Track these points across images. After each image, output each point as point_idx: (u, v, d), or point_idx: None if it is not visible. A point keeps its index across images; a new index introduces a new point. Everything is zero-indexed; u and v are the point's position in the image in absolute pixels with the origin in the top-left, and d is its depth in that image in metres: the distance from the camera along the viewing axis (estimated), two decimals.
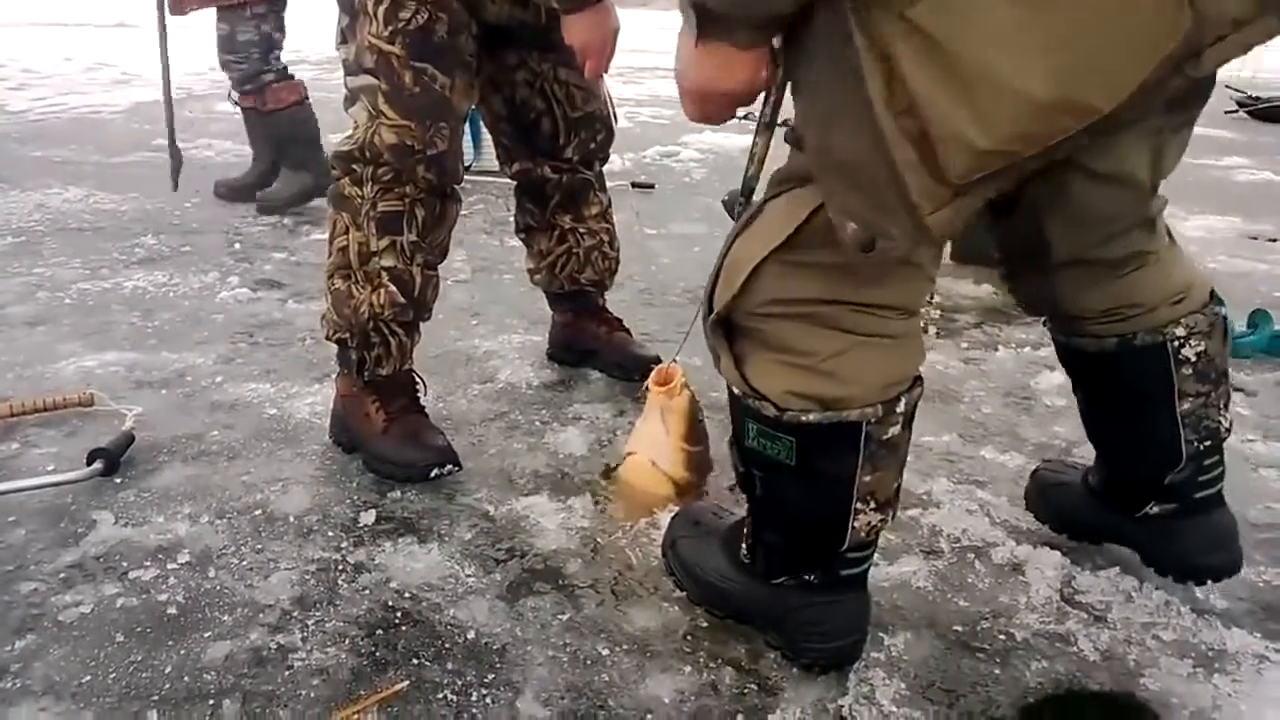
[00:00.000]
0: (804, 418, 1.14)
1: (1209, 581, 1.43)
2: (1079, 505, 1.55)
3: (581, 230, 2.16)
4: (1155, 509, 1.41)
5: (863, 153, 0.95)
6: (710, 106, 1.09)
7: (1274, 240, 3.74)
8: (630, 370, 2.18)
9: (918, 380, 1.20)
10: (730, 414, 1.26)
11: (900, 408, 1.16)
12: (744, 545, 1.33)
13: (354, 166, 1.72)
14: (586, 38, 1.72)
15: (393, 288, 1.74)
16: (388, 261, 1.74)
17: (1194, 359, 1.32)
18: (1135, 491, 1.43)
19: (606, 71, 1.82)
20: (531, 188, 2.13)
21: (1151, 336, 1.31)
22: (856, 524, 1.19)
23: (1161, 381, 1.33)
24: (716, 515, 1.50)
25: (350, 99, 1.73)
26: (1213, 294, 1.35)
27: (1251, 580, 1.50)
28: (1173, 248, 1.34)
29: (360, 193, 1.73)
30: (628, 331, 2.28)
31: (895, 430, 1.16)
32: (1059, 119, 0.90)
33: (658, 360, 2.13)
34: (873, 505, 1.19)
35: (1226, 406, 1.37)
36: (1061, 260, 1.28)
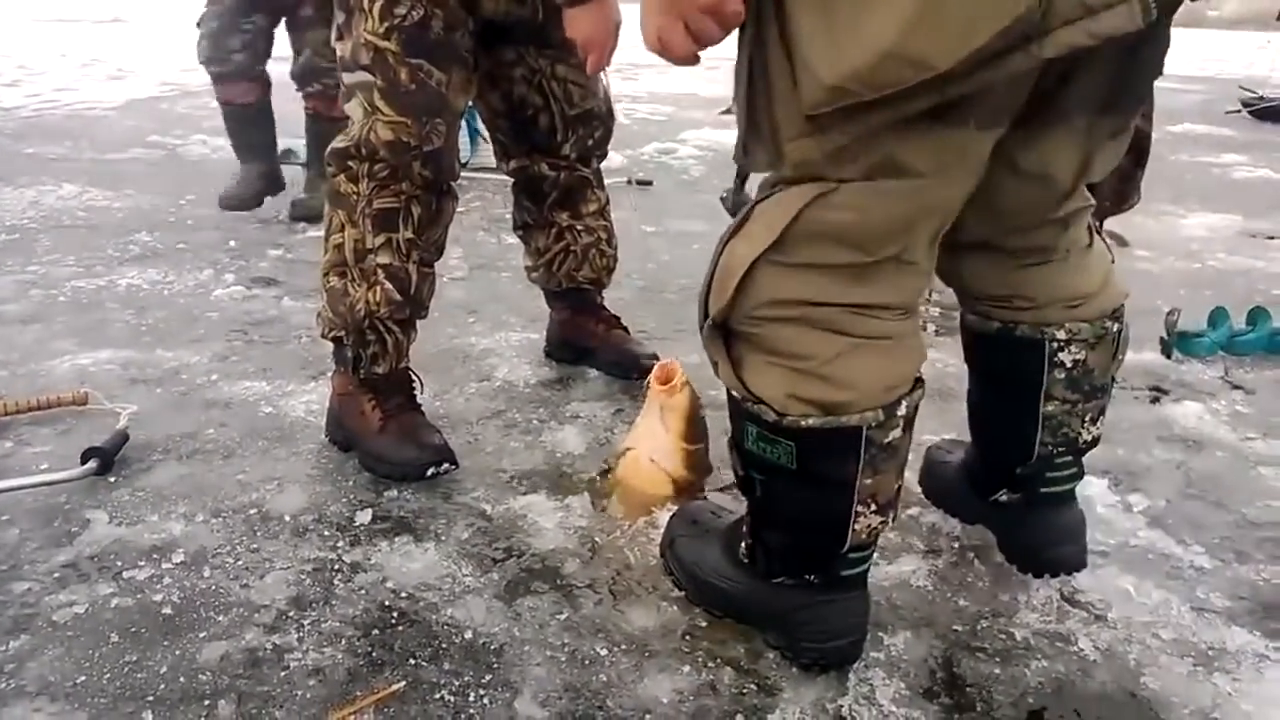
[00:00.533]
0: (804, 422, 1.13)
1: (1048, 576, 1.45)
2: (951, 484, 1.60)
3: (579, 228, 2.15)
4: (1005, 497, 1.45)
5: (755, 73, 1.03)
6: (673, 19, 1.03)
7: (1273, 238, 3.73)
8: (628, 369, 2.17)
9: (919, 382, 1.19)
10: (730, 417, 1.25)
11: (901, 410, 1.15)
12: (743, 545, 1.32)
13: (350, 163, 1.71)
14: (589, 32, 1.70)
15: (389, 285, 1.73)
16: (384, 259, 1.73)
17: (1069, 365, 1.33)
18: (989, 476, 1.47)
19: (608, 66, 1.81)
20: (529, 185, 2.12)
21: (1032, 331, 1.32)
22: (857, 526, 1.18)
23: (1031, 377, 1.34)
24: (715, 514, 1.49)
25: (346, 95, 1.72)
26: (1116, 311, 1.35)
27: (1251, 579, 1.50)
28: (1087, 252, 1.34)
29: (356, 190, 1.72)
30: (625, 330, 2.27)
31: (896, 433, 1.16)
32: (897, 68, 0.92)
33: (655, 358, 2.12)
34: (873, 508, 1.18)
35: (1094, 421, 1.38)
36: (969, 241, 1.29)
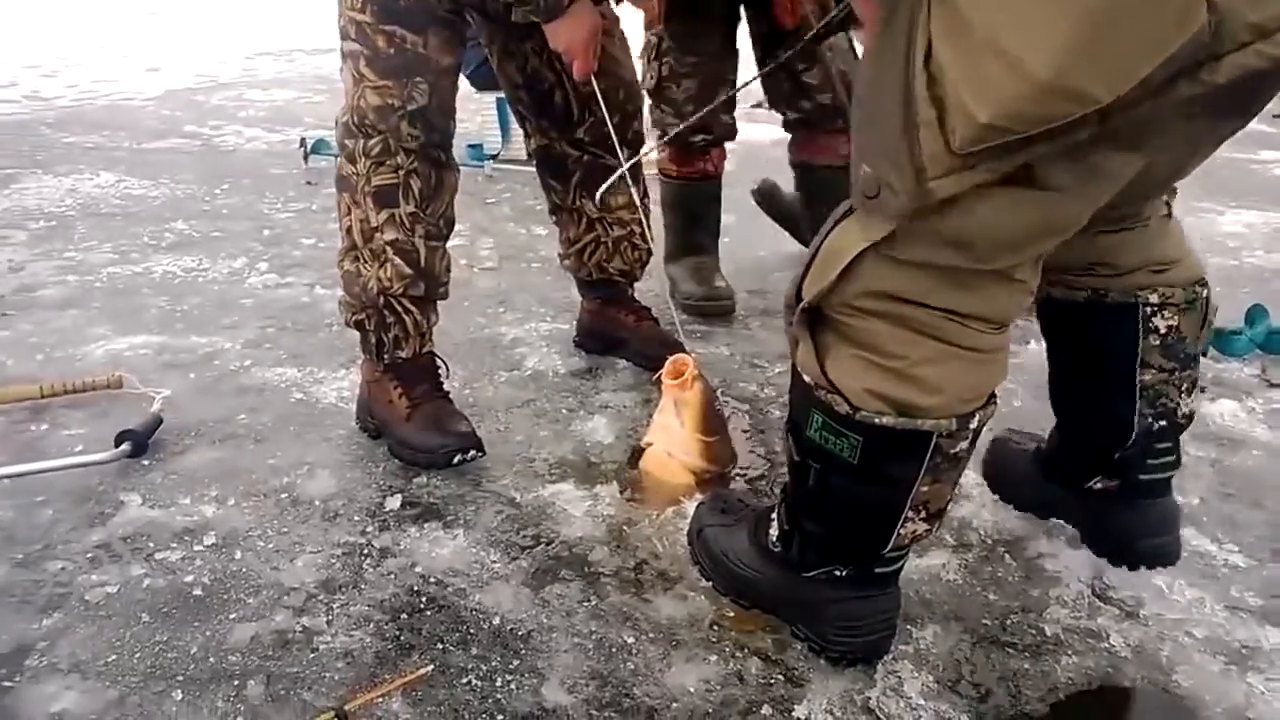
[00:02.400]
0: (878, 420, 1.10)
1: (1143, 568, 1.41)
2: (1024, 473, 1.55)
3: (610, 220, 2.15)
4: (1099, 484, 1.40)
5: (894, 105, 0.96)
6: None
7: None
8: (658, 360, 2.15)
9: (992, 398, 1.16)
10: (791, 401, 1.22)
11: (973, 424, 1.13)
12: (773, 533, 1.31)
13: (348, 142, 1.75)
14: (568, 41, 1.74)
15: (398, 260, 1.75)
16: (389, 235, 1.75)
17: (1164, 331, 1.29)
18: (1082, 462, 1.42)
19: (594, 70, 1.82)
20: (552, 163, 2.12)
21: (1124, 297, 1.29)
22: (903, 530, 1.16)
23: (1126, 344, 1.30)
24: (744, 503, 1.49)
25: (340, 66, 1.77)
26: (1203, 280, 1.31)
27: None
28: (1167, 221, 1.31)
29: (355, 169, 1.74)
30: (656, 321, 2.26)
31: (963, 445, 1.13)
32: (1057, 103, 0.88)
33: (685, 350, 2.11)
34: (923, 515, 1.16)
35: (1189, 393, 1.34)
36: None
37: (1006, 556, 1.51)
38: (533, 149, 2.13)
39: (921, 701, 1.20)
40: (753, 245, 3.25)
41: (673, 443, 1.68)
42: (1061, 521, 1.58)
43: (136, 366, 2.14)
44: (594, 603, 1.38)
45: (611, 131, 1.93)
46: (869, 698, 1.20)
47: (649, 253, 2.21)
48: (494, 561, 1.47)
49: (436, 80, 1.74)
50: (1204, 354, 2.30)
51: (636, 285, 2.29)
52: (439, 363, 1.88)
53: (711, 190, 2.79)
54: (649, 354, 2.17)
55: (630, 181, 2.14)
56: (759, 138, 5.56)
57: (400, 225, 1.75)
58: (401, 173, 1.74)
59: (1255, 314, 2.39)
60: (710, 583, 1.40)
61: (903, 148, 0.97)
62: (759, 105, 6.34)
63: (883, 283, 1.08)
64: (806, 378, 1.17)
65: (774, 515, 1.31)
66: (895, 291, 1.08)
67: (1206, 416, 2.02)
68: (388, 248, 1.75)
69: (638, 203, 2.07)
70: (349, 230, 1.78)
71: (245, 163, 4.39)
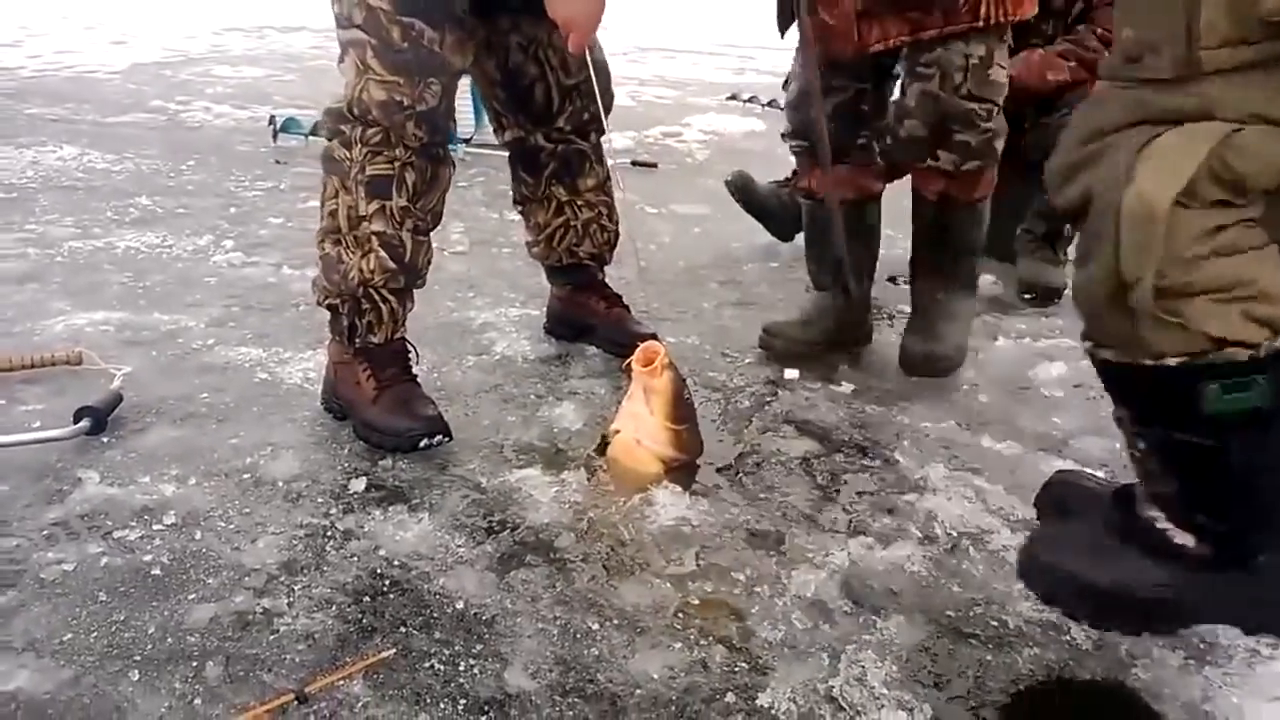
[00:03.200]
0: (1277, 344, 1.05)
1: None
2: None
3: (579, 203, 2.14)
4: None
5: None
6: None
7: None
8: (628, 347, 2.14)
9: None
10: (1154, 403, 1.14)
11: None
12: (1172, 535, 1.18)
13: (343, 127, 1.70)
14: (570, 11, 1.69)
15: (383, 253, 1.72)
16: (377, 226, 1.71)
17: None
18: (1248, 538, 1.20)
19: (590, 47, 1.79)
20: (525, 156, 2.10)
21: None
22: None
23: None
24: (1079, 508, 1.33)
25: (340, 55, 1.70)
26: None
27: None
28: None
29: (349, 155, 1.70)
30: (627, 308, 2.26)
31: None
32: None
33: (656, 338, 2.11)
34: None
35: None
36: None
37: (971, 549, 1.52)
38: (506, 142, 2.11)
39: (884, 691, 1.20)
40: (725, 236, 3.25)
41: (641, 430, 1.67)
42: (1028, 514, 1.60)
43: (97, 343, 2.10)
44: (559, 588, 1.37)
45: (601, 111, 1.93)
46: (832, 687, 1.20)
47: (617, 235, 2.21)
48: (459, 546, 1.46)
49: (449, 82, 1.71)
50: None
51: (608, 271, 2.28)
52: (409, 347, 1.86)
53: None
54: (619, 341, 2.16)
55: (603, 161, 2.15)
56: (733, 128, 5.57)
57: (390, 218, 1.72)
58: (398, 165, 1.70)
59: None
60: (1072, 617, 1.29)
61: (1180, 17, 0.95)
62: (733, 98, 6.37)
63: (1198, 226, 1.04)
64: (1189, 355, 1.09)
65: (1175, 516, 1.19)
66: (1213, 226, 1.04)
67: None
68: (373, 238, 1.72)
69: (613, 183, 2.08)
70: (333, 213, 1.74)
71: (212, 139, 4.32)
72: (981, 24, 1.83)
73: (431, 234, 1.82)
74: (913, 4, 1.83)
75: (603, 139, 2.14)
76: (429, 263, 1.82)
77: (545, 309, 2.33)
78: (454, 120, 1.79)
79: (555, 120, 2.02)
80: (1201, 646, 1.32)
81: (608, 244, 2.21)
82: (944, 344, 2.11)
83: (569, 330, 2.27)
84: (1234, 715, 1.19)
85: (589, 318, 2.23)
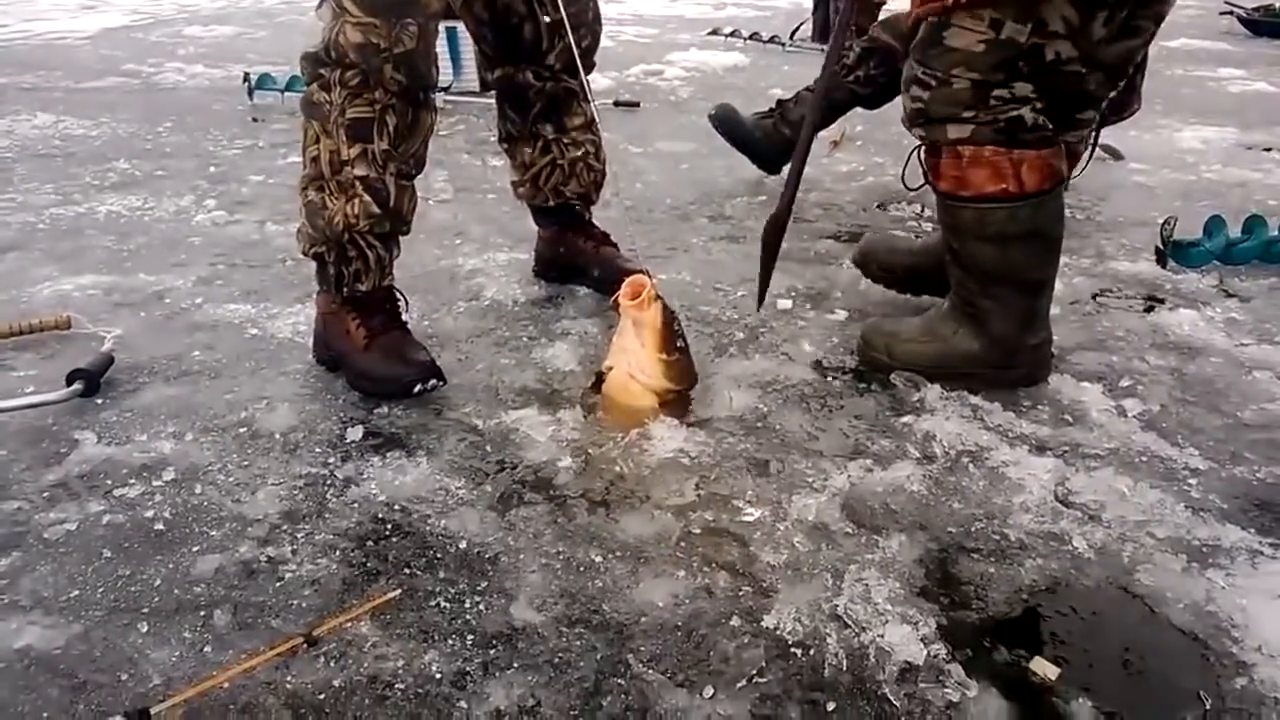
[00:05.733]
0: None
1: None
2: None
3: (565, 141, 2.10)
4: None
5: None
6: None
7: (1269, 150, 3.69)
8: (619, 285, 2.13)
9: None
10: None
11: None
12: None
13: (321, 71, 1.66)
14: None
15: (367, 198, 1.69)
16: (360, 170, 1.68)
17: None
18: None
19: None
20: (513, 94, 2.06)
21: None
22: None
23: None
24: None
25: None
26: None
27: (1245, 479, 1.50)
28: None
29: (329, 98, 1.66)
30: (615, 246, 2.23)
31: None
32: None
33: (648, 274, 2.09)
34: None
35: None
36: None
37: (970, 466, 1.52)
38: (493, 79, 2.07)
39: (889, 607, 1.21)
40: (711, 172, 3.21)
41: (633, 364, 1.66)
42: (1026, 430, 1.60)
43: (85, 307, 2.08)
44: (561, 524, 1.38)
45: (577, 55, 1.88)
46: (836, 605, 1.21)
47: (604, 174, 2.18)
48: (459, 488, 1.46)
49: (426, 23, 1.66)
50: (1164, 266, 2.34)
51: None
52: (398, 295, 1.84)
53: None
54: (610, 279, 2.14)
55: (586, 100, 2.11)
56: (715, 64, 5.48)
57: (372, 162, 1.69)
58: (378, 107, 1.66)
59: (1213, 226, 2.41)
60: None
61: None
62: (714, 33, 6.25)
63: None
64: None
65: None
66: None
67: (1165, 326, 2.04)
68: (357, 183, 1.69)
69: (596, 120, 2.04)
70: (315, 159, 1.71)
71: (187, 100, 4.25)
72: None
73: (415, 180, 1.79)
74: None
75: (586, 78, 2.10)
76: (414, 209, 1.79)
77: (533, 252, 2.31)
78: (436, 65, 1.75)
79: (545, 58, 1.99)
80: (1204, 550, 1.33)
81: (594, 184, 2.18)
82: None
83: (558, 272, 2.25)
84: (1238, 616, 1.20)
85: (578, 258, 2.21)
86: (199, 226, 2.64)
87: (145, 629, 1.17)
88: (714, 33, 6.29)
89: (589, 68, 2.08)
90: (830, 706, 1.07)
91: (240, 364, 1.85)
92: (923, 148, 1.74)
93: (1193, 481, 1.49)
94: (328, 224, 1.70)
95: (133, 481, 1.46)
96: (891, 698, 1.07)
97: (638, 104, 4.31)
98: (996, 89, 1.59)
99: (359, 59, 1.62)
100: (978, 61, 1.58)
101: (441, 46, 4.22)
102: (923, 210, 2.73)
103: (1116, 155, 3.38)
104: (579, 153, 2.11)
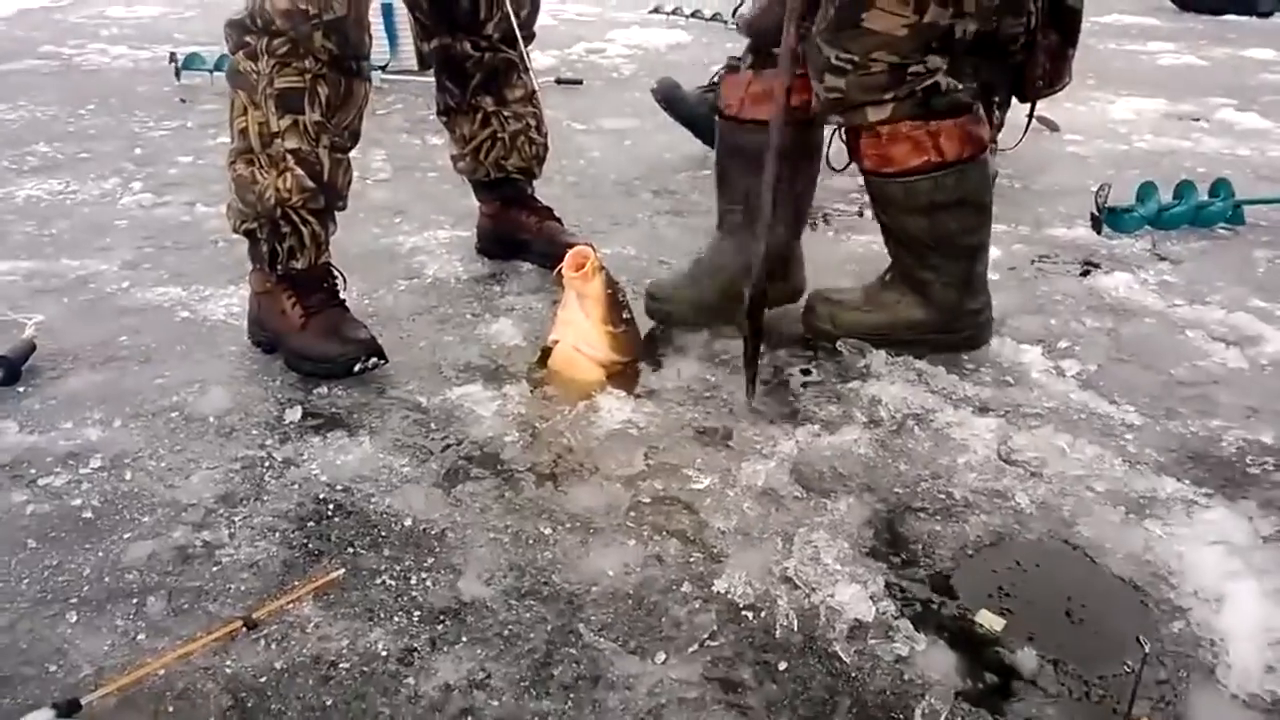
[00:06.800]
0: None
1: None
2: None
3: (506, 114, 2.07)
4: None
5: None
6: None
7: (1196, 119, 3.78)
8: (562, 259, 2.11)
9: None
10: None
11: None
12: None
13: (247, 38, 1.60)
14: None
15: (299, 171, 1.63)
16: (291, 143, 1.62)
17: None
18: None
19: None
20: (451, 65, 2.02)
21: None
22: None
23: None
24: None
25: None
26: None
27: (1180, 433, 1.53)
28: None
29: (256, 68, 1.60)
30: (558, 220, 2.20)
31: None
32: None
33: (592, 248, 2.07)
34: None
35: None
36: None
37: (915, 429, 1.53)
38: (430, 50, 2.03)
39: (839, 567, 1.21)
40: (655, 147, 3.19)
41: (579, 337, 1.64)
42: (969, 392, 1.62)
43: (4, 294, 2.00)
44: (509, 498, 1.35)
45: (515, 25, 1.85)
46: (787, 568, 1.21)
47: (546, 148, 2.15)
48: (403, 465, 1.43)
49: None
50: (1099, 231, 2.38)
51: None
52: (335, 272, 1.79)
53: None
54: (554, 254, 2.11)
55: (526, 72, 2.07)
56: (656, 41, 5.46)
57: (304, 134, 1.63)
58: (309, 77, 1.60)
59: (1145, 192, 2.45)
60: None
61: None
62: (655, 10, 6.22)
63: None
64: None
65: None
66: None
67: (1101, 289, 2.08)
68: (288, 156, 1.63)
69: (537, 92, 2.01)
70: (244, 131, 1.64)
71: (111, 82, 4.11)
72: None
73: (350, 154, 1.74)
74: None
75: (525, 49, 2.06)
76: (349, 183, 1.74)
77: (475, 229, 2.27)
78: (369, 34, 1.70)
79: (484, 27, 1.95)
80: (1141, 502, 1.35)
81: (536, 157, 2.14)
82: None
83: (501, 248, 2.22)
84: (1174, 563, 1.23)
85: (520, 233, 2.17)
86: (125, 209, 2.55)
87: (74, 619, 1.12)
88: (655, 11, 6.25)
89: (529, 38, 2.05)
90: (782, 666, 1.06)
91: (170, 348, 1.79)
92: (843, 129, 1.74)
93: (1129, 437, 1.52)
94: (258, 199, 1.65)
95: (58, 470, 1.41)
96: (842, 655, 1.08)
97: (580, 82, 4.27)
98: (913, 67, 1.59)
99: (287, 25, 1.56)
100: (900, 45, 1.58)
101: (377, 23, 4.15)
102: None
103: (1052, 127, 3.44)
104: (519, 125, 2.08)
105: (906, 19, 1.55)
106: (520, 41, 1.99)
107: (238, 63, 1.63)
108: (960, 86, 1.62)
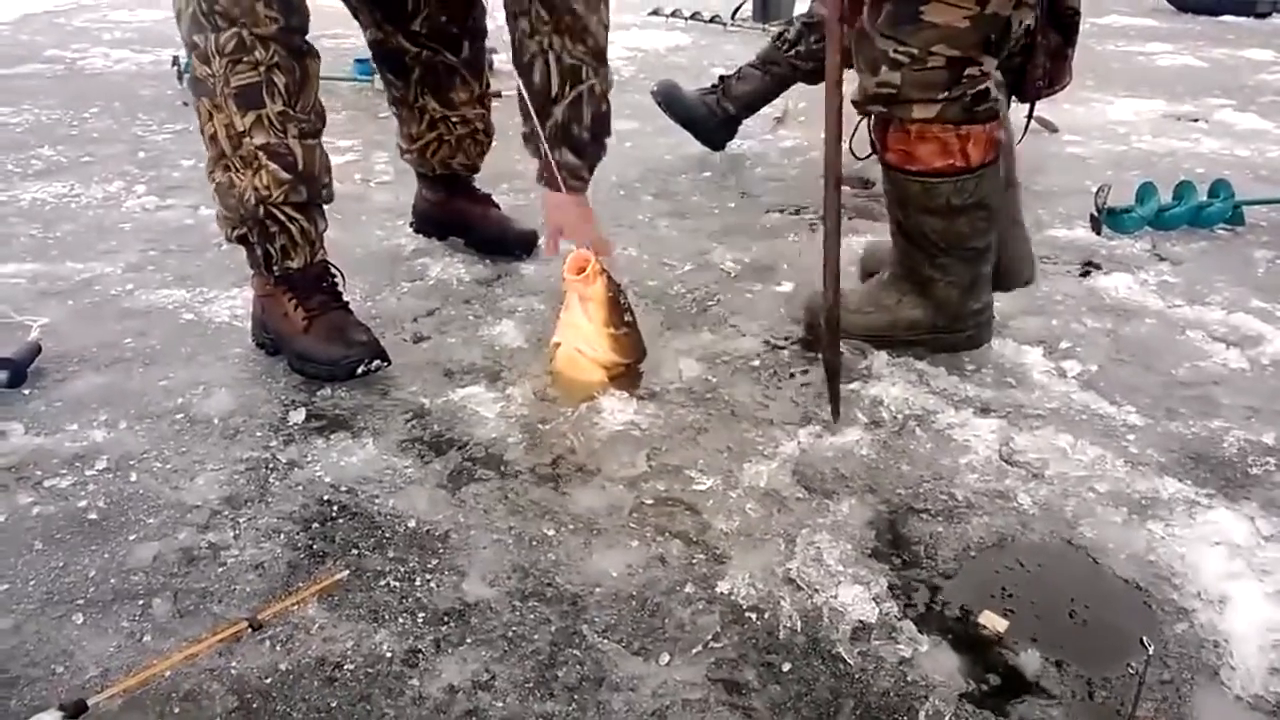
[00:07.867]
0: None
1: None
2: None
3: (454, 119, 2.14)
4: None
5: None
6: None
7: (1195, 120, 3.78)
8: (511, 246, 2.21)
9: None
10: None
11: None
12: None
13: (197, 38, 1.57)
14: (561, 219, 1.83)
15: (273, 165, 1.62)
16: (259, 139, 1.61)
17: None
18: None
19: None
20: (390, 58, 2.07)
21: None
22: None
23: None
24: None
25: None
26: None
27: (1181, 433, 1.54)
28: None
29: (210, 70, 1.58)
30: (498, 206, 2.30)
31: None
32: None
33: (535, 234, 2.17)
34: None
35: None
36: None
37: (917, 430, 1.53)
38: (369, 41, 2.08)
39: (841, 568, 1.21)
40: (656, 149, 3.20)
41: (581, 339, 1.65)
42: (970, 393, 1.62)
43: (9, 296, 2.00)
44: (512, 499, 1.36)
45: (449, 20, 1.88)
46: (790, 569, 1.21)
47: (490, 141, 2.22)
48: (406, 467, 1.44)
49: None
50: (1099, 232, 2.38)
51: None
52: (334, 272, 1.79)
53: None
54: (500, 240, 2.23)
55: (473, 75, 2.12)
56: (656, 44, 5.46)
57: (270, 127, 1.62)
58: (262, 69, 1.59)
59: (1145, 193, 2.46)
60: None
61: None
62: (655, 13, 6.22)
63: None
64: None
65: None
66: None
67: (1101, 290, 2.08)
68: (260, 153, 1.62)
69: (488, 95, 2.16)
70: (214, 138, 1.64)
71: (114, 86, 4.11)
72: None
73: (321, 136, 1.71)
74: None
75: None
76: (327, 169, 1.71)
77: (411, 208, 2.35)
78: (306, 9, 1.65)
79: (410, 22, 1.97)
80: (1143, 503, 1.36)
81: (481, 154, 2.24)
82: None
83: (438, 230, 2.31)
84: (1177, 564, 1.23)
85: (466, 219, 2.27)
86: (129, 212, 2.55)
87: (80, 620, 1.13)
88: (655, 13, 6.25)
89: (477, 35, 2.08)
90: (786, 668, 1.07)
91: (175, 350, 1.79)
92: (872, 118, 1.73)
93: (1131, 438, 1.52)
94: (240, 202, 1.65)
95: (64, 471, 1.41)
96: (846, 656, 1.08)
97: None
98: (969, 67, 1.56)
99: (230, 3, 1.53)
100: (960, 38, 1.54)
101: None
102: (868, 185, 2.75)
103: (1051, 128, 3.44)
104: (466, 130, 2.16)
105: (968, 10, 1.52)
106: (467, 38, 2.07)
107: (195, 70, 1.61)
108: (999, 96, 1.62)
